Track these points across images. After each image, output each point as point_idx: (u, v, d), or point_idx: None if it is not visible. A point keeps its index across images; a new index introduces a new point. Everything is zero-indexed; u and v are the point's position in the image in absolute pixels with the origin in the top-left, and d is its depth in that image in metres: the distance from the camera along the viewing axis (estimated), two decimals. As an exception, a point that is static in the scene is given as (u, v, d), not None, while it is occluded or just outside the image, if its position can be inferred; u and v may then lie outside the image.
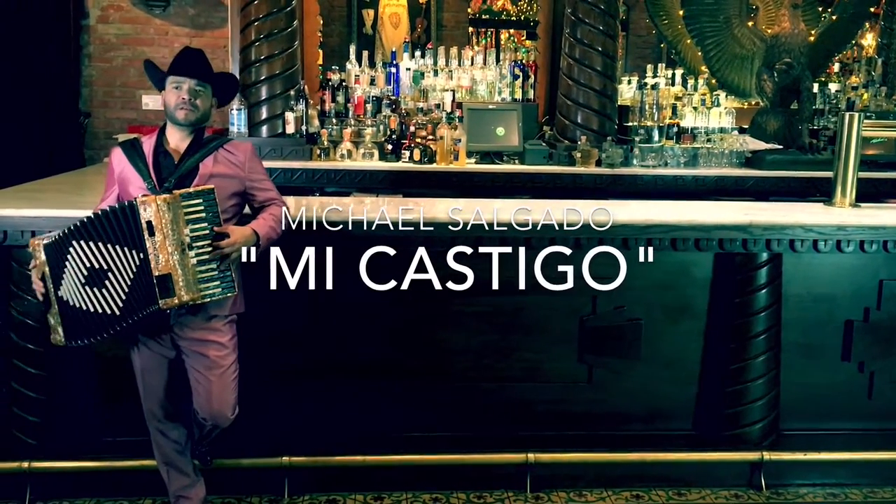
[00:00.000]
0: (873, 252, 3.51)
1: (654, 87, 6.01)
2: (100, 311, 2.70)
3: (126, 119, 7.34)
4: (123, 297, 2.69)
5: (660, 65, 6.73)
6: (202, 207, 2.72)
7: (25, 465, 3.33)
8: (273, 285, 3.28)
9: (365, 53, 6.07)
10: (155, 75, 2.94)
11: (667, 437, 3.69)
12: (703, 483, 3.62)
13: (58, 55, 7.05)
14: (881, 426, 3.77)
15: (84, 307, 2.70)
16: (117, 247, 2.67)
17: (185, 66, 2.86)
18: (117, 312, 2.70)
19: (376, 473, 3.51)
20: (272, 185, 3.05)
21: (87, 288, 2.69)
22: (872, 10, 6.76)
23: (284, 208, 3.02)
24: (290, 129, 5.26)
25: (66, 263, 2.69)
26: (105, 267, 2.68)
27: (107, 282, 2.68)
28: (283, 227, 2.97)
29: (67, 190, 3.91)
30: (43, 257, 2.72)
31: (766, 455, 3.59)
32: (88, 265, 2.68)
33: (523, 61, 6.43)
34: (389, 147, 5.39)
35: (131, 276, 2.68)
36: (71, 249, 2.68)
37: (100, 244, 2.67)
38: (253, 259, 2.90)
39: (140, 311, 2.71)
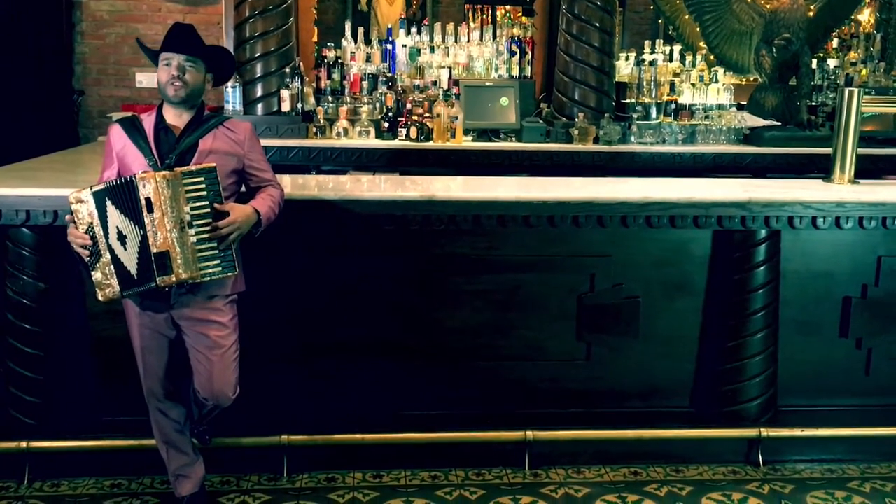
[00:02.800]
0: (872, 229, 3.50)
1: (652, 63, 5.98)
2: (128, 269, 2.69)
3: (120, 97, 7.28)
4: (134, 265, 2.69)
5: (658, 41, 6.69)
6: (203, 185, 2.69)
7: (24, 444, 3.33)
8: (270, 265, 3.29)
9: (360, 30, 6.02)
10: (147, 53, 2.92)
11: (665, 414, 3.70)
12: (701, 460, 3.63)
13: (50, 32, 6.98)
14: (878, 402, 3.79)
15: (122, 261, 2.69)
16: (126, 217, 2.68)
17: (173, 42, 2.82)
18: (135, 277, 2.70)
19: (375, 452, 3.51)
20: (270, 168, 3.03)
21: (118, 242, 2.68)
22: (871, -16, 6.72)
23: (281, 191, 3.00)
24: (286, 106, 5.23)
25: (108, 215, 2.67)
26: (123, 233, 2.68)
27: (126, 244, 2.68)
28: (280, 210, 2.95)
29: (62, 169, 3.88)
30: (93, 205, 2.66)
31: (764, 431, 3.60)
32: (115, 223, 2.67)
33: (520, 38, 6.38)
34: (386, 125, 5.36)
35: (137, 247, 2.68)
36: (107, 204, 2.67)
37: (117, 210, 2.67)
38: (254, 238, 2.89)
39: (140, 284, 2.70)
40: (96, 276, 2.71)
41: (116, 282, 2.71)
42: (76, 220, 2.70)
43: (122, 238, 2.68)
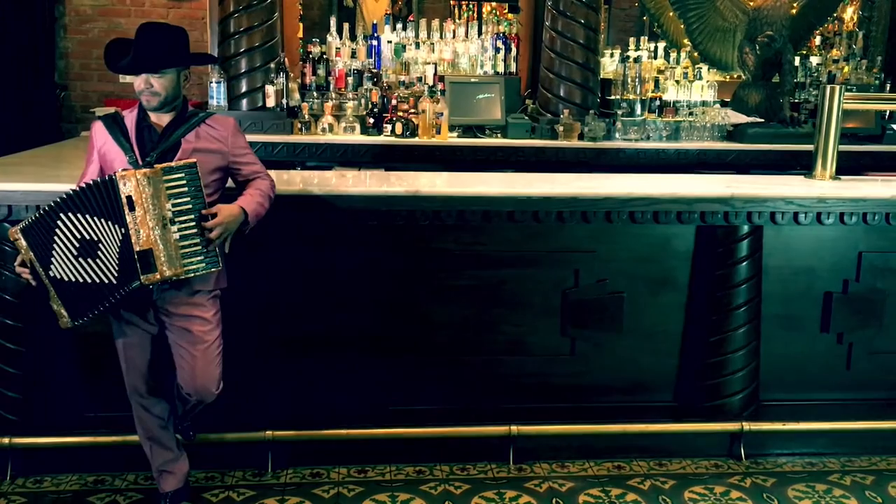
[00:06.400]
0: (853, 224, 3.53)
1: (637, 60, 6.01)
2: (97, 280, 2.66)
3: (103, 92, 7.23)
4: (113, 268, 2.66)
5: (642, 38, 6.72)
6: (184, 182, 2.68)
7: (6, 440, 3.31)
8: (255, 261, 3.28)
9: (346, 26, 6.01)
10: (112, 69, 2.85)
11: (648, 409, 3.73)
12: (684, 453, 3.66)
13: (32, 27, 6.91)
14: (859, 396, 3.82)
15: (80, 279, 2.65)
16: (102, 220, 2.64)
17: (136, 64, 2.74)
18: (115, 281, 2.67)
19: (360, 447, 3.52)
20: (256, 159, 3.01)
21: (80, 259, 2.64)
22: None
23: (271, 182, 2.98)
24: (271, 102, 5.21)
25: (55, 238, 2.63)
26: (95, 238, 2.64)
27: (99, 252, 2.65)
28: (271, 202, 2.94)
29: (45, 164, 3.86)
30: (24, 243, 2.65)
31: (746, 425, 3.63)
32: (79, 236, 2.63)
33: (506, 34, 6.40)
34: (371, 121, 5.35)
35: (116, 249, 2.65)
36: (59, 223, 2.63)
37: (87, 216, 2.64)
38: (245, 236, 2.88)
39: (123, 286, 2.68)
40: (52, 306, 2.70)
41: (65, 311, 2.69)
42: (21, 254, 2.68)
43: (89, 248, 2.63)
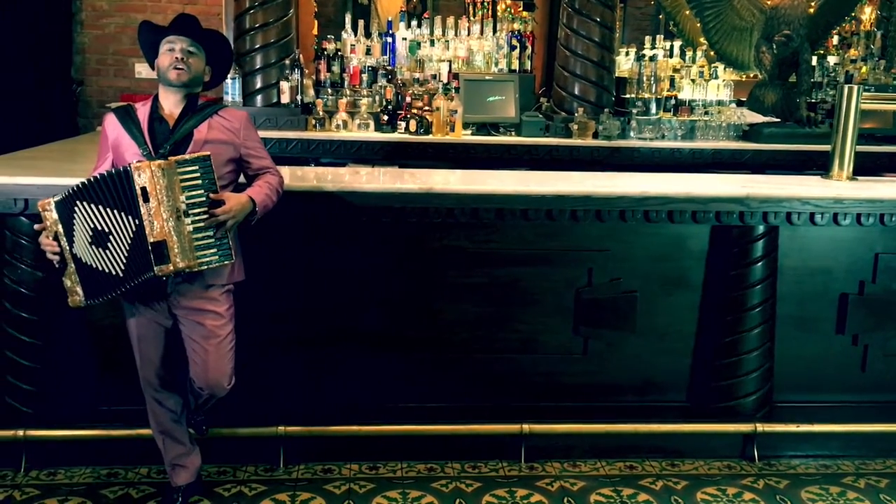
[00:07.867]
0: (870, 225, 3.50)
1: (652, 58, 5.99)
2: (107, 270, 2.68)
3: (119, 87, 7.27)
4: (125, 260, 2.67)
5: (658, 36, 6.69)
6: (198, 174, 2.69)
7: (21, 433, 3.33)
8: (268, 256, 3.29)
9: (360, 23, 6.01)
10: (148, 39, 2.89)
11: (661, 409, 3.71)
12: (697, 454, 3.64)
13: (49, 22, 6.96)
14: (874, 399, 3.79)
15: (95, 265, 2.68)
16: (115, 211, 2.66)
17: (180, 26, 2.84)
18: (121, 274, 2.68)
19: (371, 443, 3.52)
20: (267, 154, 3.02)
21: (93, 248, 2.67)
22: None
23: (280, 178, 2.99)
24: (286, 98, 5.23)
25: (75, 222, 2.67)
26: (106, 229, 2.66)
27: (109, 244, 2.66)
28: (278, 197, 2.94)
29: (60, 158, 3.88)
30: (55, 215, 2.66)
31: (760, 427, 3.61)
32: (92, 226, 2.66)
33: (521, 32, 6.39)
34: (385, 118, 5.36)
35: (129, 240, 2.67)
36: (76, 209, 2.66)
37: (100, 206, 2.65)
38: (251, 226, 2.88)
39: (136, 276, 2.69)
40: (66, 282, 2.72)
41: (81, 290, 2.71)
42: (46, 225, 2.69)
43: (101, 239, 2.65)
